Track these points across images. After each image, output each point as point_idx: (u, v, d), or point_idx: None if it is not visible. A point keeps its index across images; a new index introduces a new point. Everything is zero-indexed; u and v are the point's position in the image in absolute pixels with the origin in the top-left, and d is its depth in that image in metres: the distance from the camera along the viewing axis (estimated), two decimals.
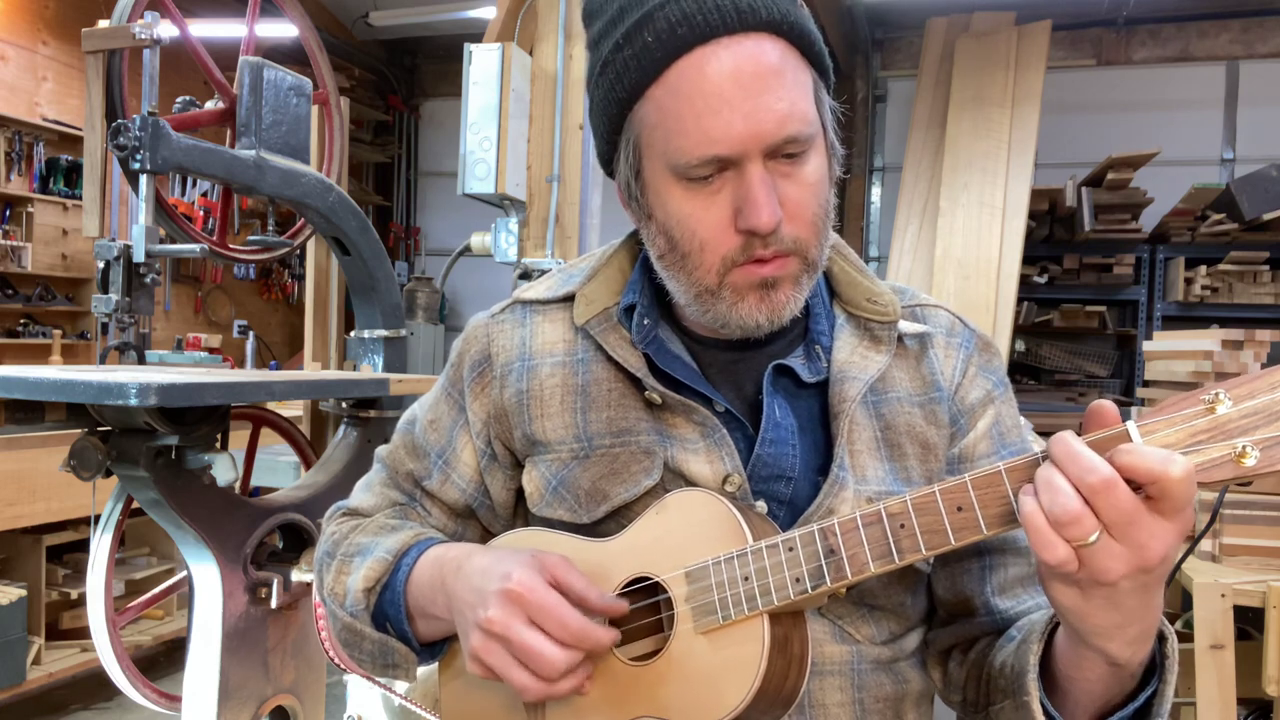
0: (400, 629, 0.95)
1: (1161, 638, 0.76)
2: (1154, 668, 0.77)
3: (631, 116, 0.84)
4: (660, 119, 0.81)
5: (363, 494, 1.08)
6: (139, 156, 2.31)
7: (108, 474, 1.97)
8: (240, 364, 5.72)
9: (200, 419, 1.98)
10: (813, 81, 0.83)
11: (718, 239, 0.82)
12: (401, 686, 2.04)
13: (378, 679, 1.95)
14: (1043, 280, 5.29)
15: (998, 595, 0.92)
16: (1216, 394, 0.66)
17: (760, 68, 0.79)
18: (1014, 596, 0.92)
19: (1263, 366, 2.09)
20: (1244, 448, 0.65)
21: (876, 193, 6.43)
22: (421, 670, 0.98)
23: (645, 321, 0.93)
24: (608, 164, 0.92)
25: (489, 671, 0.81)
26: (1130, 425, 0.68)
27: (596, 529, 0.91)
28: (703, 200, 0.82)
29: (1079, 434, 0.69)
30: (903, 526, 0.75)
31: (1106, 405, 0.70)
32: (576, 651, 0.79)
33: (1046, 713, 0.78)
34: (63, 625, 3.85)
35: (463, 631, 0.85)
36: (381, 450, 1.09)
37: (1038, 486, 0.68)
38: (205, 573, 2.07)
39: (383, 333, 2.94)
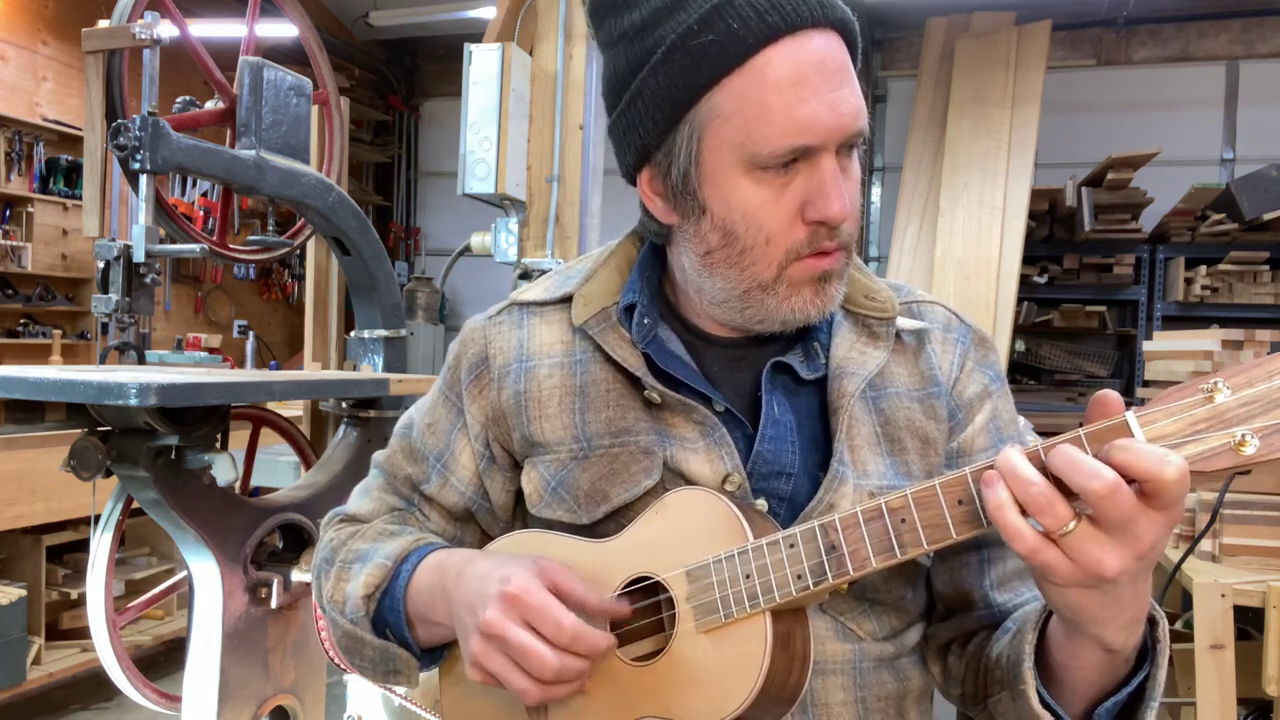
0: (401, 635, 0.94)
1: (1152, 621, 0.77)
2: (1146, 652, 0.77)
3: (701, 105, 0.82)
4: (740, 107, 0.80)
5: (360, 499, 1.07)
6: (139, 156, 2.31)
7: (108, 474, 1.97)
8: (240, 364, 5.72)
9: (200, 419, 1.98)
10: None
11: (785, 231, 0.83)
12: (402, 688, 2.03)
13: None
14: (1043, 280, 5.29)
15: (996, 589, 0.93)
16: (1215, 383, 0.66)
17: (837, 62, 0.81)
18: (1012, 589, 0.93)
19: None
20: (1243, 436, 0.65)
21: (876, 193, 6.43)
22: (422, 675, 0.97)
23: (645, 321, 0.93)
24: (644, 159, 0.87)
25: (488, 676, 0.81)
26: (1129, 416, 0.68)
27: (595, 530, 0.91)
28: (772, 192, 0.82)
29: (1084, 423, 0.69)
30: (904, 521, 0.75)
31: (1111, 395, 0.70)
32: (572, 655, 0.78)
33: (1043, 700, 0.78)
34: (63, 625, 3.85)
35: (462, 636, 0.85)
36: (378, 455, 1.09)
37: (1004, 476, 0.68)
38: (205, 573, 2.07)
39: (383, 333, 2.94)
